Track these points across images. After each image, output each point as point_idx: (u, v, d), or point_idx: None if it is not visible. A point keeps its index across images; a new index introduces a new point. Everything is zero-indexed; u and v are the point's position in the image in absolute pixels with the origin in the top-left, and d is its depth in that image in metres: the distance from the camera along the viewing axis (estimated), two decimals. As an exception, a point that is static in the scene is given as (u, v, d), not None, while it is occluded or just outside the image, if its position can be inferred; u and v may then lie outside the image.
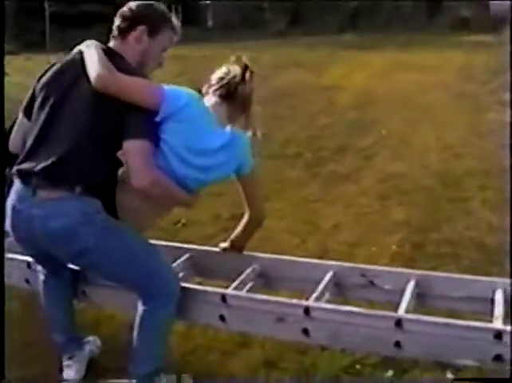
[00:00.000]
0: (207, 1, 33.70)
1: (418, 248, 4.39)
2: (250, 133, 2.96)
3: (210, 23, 31.90)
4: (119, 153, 2.66)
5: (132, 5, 2.80)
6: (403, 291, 2.87)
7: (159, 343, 2.84)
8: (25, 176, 2.59)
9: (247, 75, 2.92)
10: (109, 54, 2.68)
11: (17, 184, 2.66)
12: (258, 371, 3.14)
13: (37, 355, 3.32)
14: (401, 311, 2.64)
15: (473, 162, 6.30)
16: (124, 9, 2.81)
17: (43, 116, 2.63)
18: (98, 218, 2.61)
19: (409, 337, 2.53)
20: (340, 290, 3.07)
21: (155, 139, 2.60)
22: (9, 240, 3.63)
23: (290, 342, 3.15)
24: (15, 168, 2.65)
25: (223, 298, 2.82)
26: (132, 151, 2.52)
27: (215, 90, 2.89)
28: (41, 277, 3.07)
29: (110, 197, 2.68)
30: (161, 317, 2.78)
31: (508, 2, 16.07)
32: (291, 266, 3.20)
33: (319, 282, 2.96)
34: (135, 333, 2.79)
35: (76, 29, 23.49)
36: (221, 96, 2.88)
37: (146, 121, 2.56)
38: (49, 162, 2.53)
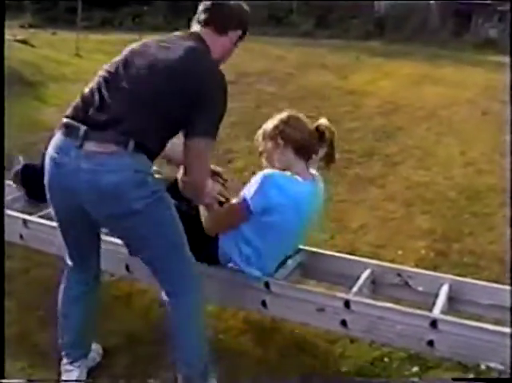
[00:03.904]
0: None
1: (442, 256, 4.54)
2: None
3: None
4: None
5: (236, 5, 2.80)
6: (435, 294, 3.04)
7: (198, 337, 2.81)
8: (72, 127, 2.48)
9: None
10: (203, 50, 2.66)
11: (59, 137, 2.53)
12: (289, 355, 3.28)
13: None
14: (436, 312, 2.81)
15: (495, 179, 6.42)
16: (229, 4, 2.78)
17: (121, 76, 2.54)
18: (151, 180, 2.53)
19: (442, 337, 2.70)
20: (375, 287, 3.24)
21: None
22: (10, 198, 3.85)
23: (320, 332, 3.32)
24: (63, 120, 2.53)
25: (267, 285, 3.00)
26: (198, 148, 2.52)
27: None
28: (65, 272, 2.94)
29: None
30: (190, 311, 2.76)
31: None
32: (330, 261, 3.37)
33: (355, 278, 3.13)
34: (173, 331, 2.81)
35: (103, 10, 23.66)
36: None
37: (215, 122, 2.55)
38: (103, 117, 2.45)
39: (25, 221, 3.66)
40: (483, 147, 7.71)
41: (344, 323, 2.86)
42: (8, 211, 3.75)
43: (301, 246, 3.41)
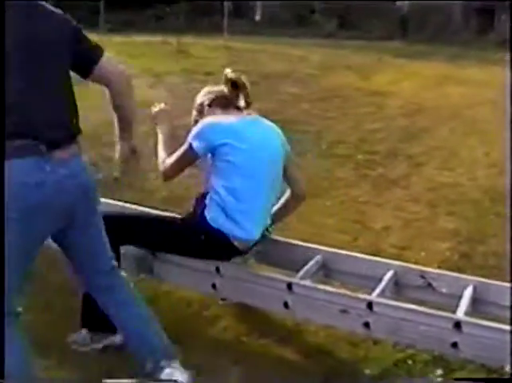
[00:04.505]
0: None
1: (466, 257, 4.50)
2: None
3: (257, 17, 32.01)
4: None
5: None
6: (459, 296, 3.01)
7: None
8: (29, 148, 2.40)
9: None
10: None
11: (18, 162, 2.39)
12: (311, 357, 3.26)
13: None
14: (460, 314, 2.78)
15: (519, 180, 6.37)
16: None
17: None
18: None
19: (466, 339, 2.67)
20: (398, 288, 3.22)
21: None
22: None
23: (343, 334, 3.30)
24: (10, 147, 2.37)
25: (289, 285, 2.99)
26: (112, 64, 2.78)
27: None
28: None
29: None
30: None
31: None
32: (352, 262, 3.35)
33: (378, 279, 3.11)
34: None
35: (126, 12, 23.78)
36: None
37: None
38: (46, 126, 2.45)
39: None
40: (507, 148, 7.64)
41: (367, 325, 2.84)
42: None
43: (323, 247, 3.41)
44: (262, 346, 3.36)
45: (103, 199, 3.30)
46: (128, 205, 3.91)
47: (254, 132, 3.18)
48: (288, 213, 3.59)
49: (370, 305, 2.82)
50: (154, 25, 21.84)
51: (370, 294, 2.96)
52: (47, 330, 3.34)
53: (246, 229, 3.13)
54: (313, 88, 11.51)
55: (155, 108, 3.48)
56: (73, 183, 2.52)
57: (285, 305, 3.02)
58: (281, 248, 3.48)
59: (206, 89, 3.41)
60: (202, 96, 3.38)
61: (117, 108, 2.79)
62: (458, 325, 2.67)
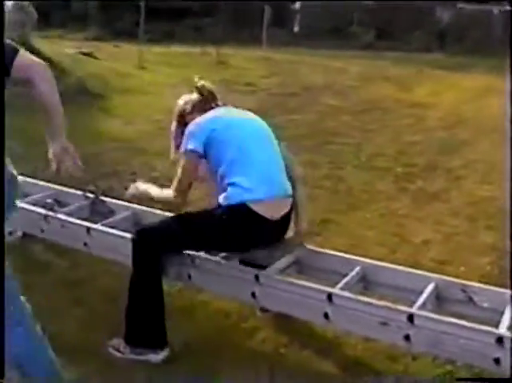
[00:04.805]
0: (297, 6, 33.83)
1: (505, 273, 4.44)
2: None
3: (296, 28, 32.07)
4: None
5: None
6: (500, 311, 2.97)
7: None
8: None
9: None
10: None
11: None
12: (349, 371, 3.24)
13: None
14: (503, 329, 2.75)
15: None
16: None
17: None
18: None
19: (509, 355, 2.63)
20: (439, 302, 3.19)
21: None
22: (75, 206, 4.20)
23: (382, 347, 3.28)
24: None
25: (329, 296, 2.98)
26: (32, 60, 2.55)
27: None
28: None
29: None
30: None
31: None
32: (393, 274, 3.34)
33: (418, 293, 3.09)
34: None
35: (165, 22, 23.98)
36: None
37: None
38: None
39: (88, 229, 3.71)
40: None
41: (407, 337, 2.82)
42: (72, 219, 3.82)
43: (364, 259, 3.40)
44: (301, 358, 3.36)
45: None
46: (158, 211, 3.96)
47: (234, 112, 3.48)
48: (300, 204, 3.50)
49: (411, 317, 2.80)
50: (193, 36, 21.98)
51: (410, 306, 2.94)
52: (87, 335, 3.40)
53: (258, 190, 3.16)
54: (353, 100, 11.49)
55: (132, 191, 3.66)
56: None
57: (326, 316, 3.01)
58: (321, 259, 3.49)
59: (183, 99, 3.57)
60: (182, 106, 3.53)
61: (41, 105, 2.60)
62: (500, 340, 2.64)
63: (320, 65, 15.79)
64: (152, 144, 7.23)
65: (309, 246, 3.56)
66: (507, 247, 4.85)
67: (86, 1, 25.50)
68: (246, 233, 3.20)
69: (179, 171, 3.27)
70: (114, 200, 4.26)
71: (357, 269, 3.31)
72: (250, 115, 3.53)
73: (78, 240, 3.75)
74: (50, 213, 3.88)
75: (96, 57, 14.74)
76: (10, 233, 4.61)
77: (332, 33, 25.72)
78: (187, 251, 3.33)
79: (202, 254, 3.33)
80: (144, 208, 4.04)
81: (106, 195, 4.34)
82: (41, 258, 4.47)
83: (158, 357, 3.19)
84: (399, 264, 3.84)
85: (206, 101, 3.50)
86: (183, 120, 3.48)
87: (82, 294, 3.90)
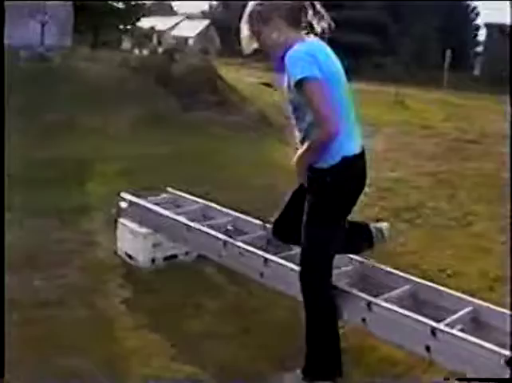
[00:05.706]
0: (479, 50, 33.11)
1: None
2: None
3: (477, 72, 31.31)
4: None
5: None
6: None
7: None
8: None
9: None
10: None
11: None
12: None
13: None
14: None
15: None
16: None
17: None
18: None
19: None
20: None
21: None
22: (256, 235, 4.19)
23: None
24: None
25: (433, 331, 2.98)
26: None
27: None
28: None
29: None
30: None
31: None
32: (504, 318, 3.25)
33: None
34: None
35: (346, 59, 24.15)
36: None
37: None
38: None
39: (266, 259, 3.75)
40: None
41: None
42: (251, 248, 3.88)
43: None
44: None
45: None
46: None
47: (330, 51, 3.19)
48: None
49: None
50: (371, 73, 22.01)
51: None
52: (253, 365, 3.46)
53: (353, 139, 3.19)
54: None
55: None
56: None
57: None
58: (435, 295, 3.51)
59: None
60: (257, 5, 3.14)
61: None
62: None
63: (501, 112, 15.26)
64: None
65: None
66: None
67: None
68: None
69: (315, 98, 2.97)
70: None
71: (468, 310, 3.31)
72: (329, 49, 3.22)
73: (254, 269, 3.81)
74: (230, 240, 3.98)
75: (275, 88, 15.03)
76: (187, 253, 4.79)
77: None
78: (361, 295, 3.32)
79: (379, 300, 3.28)
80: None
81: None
82: (212, 282, 4.60)
83: None
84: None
85: (298, 12, 3.12)
86: (262, 22, 3.12)
87: (251, 323, 3.95)
